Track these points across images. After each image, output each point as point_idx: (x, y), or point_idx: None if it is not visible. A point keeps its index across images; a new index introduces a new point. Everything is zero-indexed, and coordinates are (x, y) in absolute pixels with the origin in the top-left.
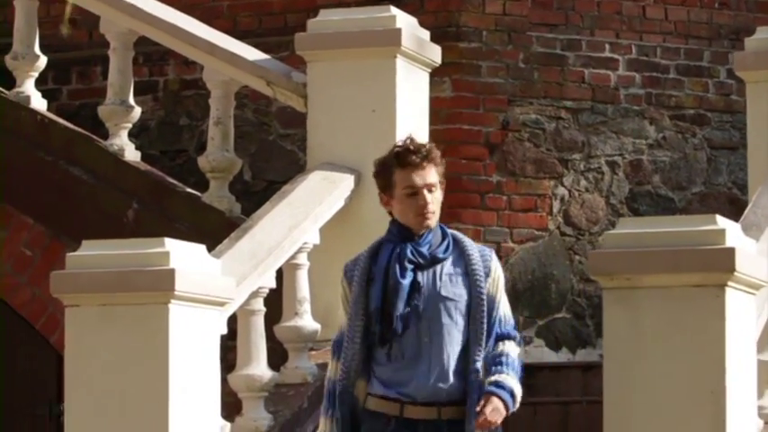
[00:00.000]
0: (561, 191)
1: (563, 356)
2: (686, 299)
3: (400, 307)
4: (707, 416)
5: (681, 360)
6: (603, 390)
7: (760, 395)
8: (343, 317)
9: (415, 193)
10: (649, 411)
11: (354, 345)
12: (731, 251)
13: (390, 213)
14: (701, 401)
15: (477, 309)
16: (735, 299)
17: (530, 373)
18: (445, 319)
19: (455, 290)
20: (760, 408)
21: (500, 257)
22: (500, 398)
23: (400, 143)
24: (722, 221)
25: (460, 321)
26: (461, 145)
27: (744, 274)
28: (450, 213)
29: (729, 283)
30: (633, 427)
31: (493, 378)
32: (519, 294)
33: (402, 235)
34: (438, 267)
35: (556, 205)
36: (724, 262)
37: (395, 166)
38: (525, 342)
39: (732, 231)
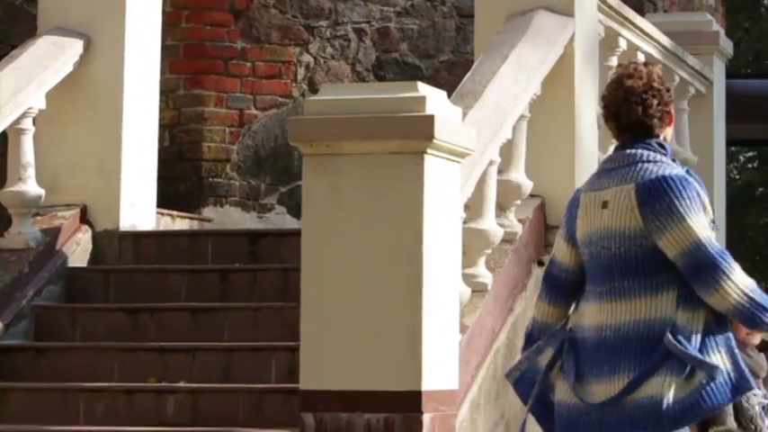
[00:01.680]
0: (306, 58)
1: None
2: (385, 166)
3: None
4: (404, 282)
5: (379, 227)
6: (302, 256)
7: (472, 263)
8: None
9: None
10: (347, 278)
11: None
12: (430, 119)
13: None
14: (398, 268)
15: None
16: (435, 166)
17: (254, 239)
18: None
19: None
20: (471, 276)
21: (243, 124)
22: None
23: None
24: (424, 89)
25: None
26: (206, 11)
27: (445, 141)
28: (192, 80)
29: (429, 151)
30: (329, 294)
31: None
32: (261, 161)
33: None
34: None
35: (301, 72)
36: (422, 129)
37: None
38: (266, 209)
39: (433, 99)
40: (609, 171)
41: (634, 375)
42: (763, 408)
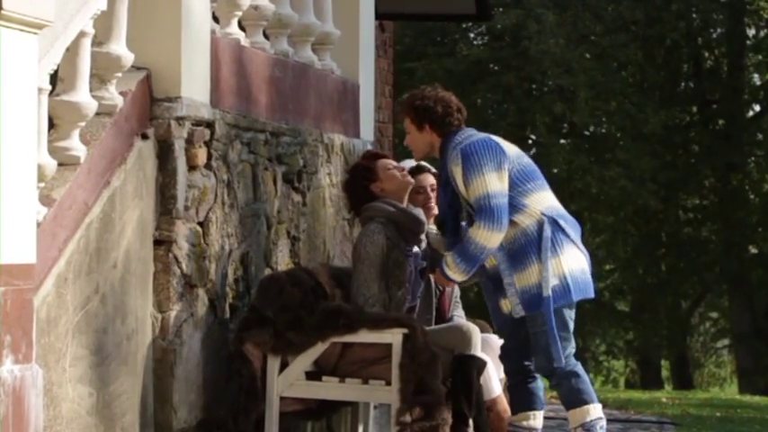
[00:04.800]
0: None
1: None
2: None
3: None
4: None
5: None
6: None
7: (64, 136)
8: None
9: None
10: None
11: None
12: None
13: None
14: None
15: None
16: (6, 38)
17: None
18: None
19: None
20: (64, 149)
21: None
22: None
23: None
24: None
25: None
26: None
27: (16, 12)
28: None
29: (0, 23)
30: None
31: None
32: None
33: None
34: None
35: None
36: None
37: None
38: None
39: None
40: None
41: None
42: (421, 271)
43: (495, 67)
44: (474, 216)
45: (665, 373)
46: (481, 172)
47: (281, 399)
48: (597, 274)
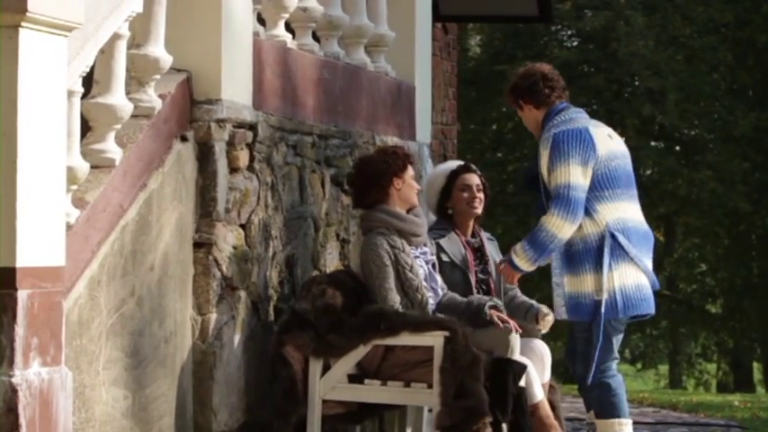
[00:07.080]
0: None
1: None
2: None
3: None
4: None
5: None
6: None
7: (100, 139)
8: None
9: None
10: None
11: None
12: None
13: None
14: None
15: None
16: (32, 40)
17: None
18: None
19: None
20: (99, 151)
21: None
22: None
23: None
24: None
25: None
26: None
27: (44, 15)
28: None
29: (24, 25)
30: None
31: None
32: None
33: None
34: None
35: None
36: (15, 2)
37: None
38: None
39: None
40: (587, 117)
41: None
42: (433, 265)
43: (585, 69)
44: (548, 203)
45: (758, 375)
46: (567, 162)
47: (323, 402)
48: (688, 276)
